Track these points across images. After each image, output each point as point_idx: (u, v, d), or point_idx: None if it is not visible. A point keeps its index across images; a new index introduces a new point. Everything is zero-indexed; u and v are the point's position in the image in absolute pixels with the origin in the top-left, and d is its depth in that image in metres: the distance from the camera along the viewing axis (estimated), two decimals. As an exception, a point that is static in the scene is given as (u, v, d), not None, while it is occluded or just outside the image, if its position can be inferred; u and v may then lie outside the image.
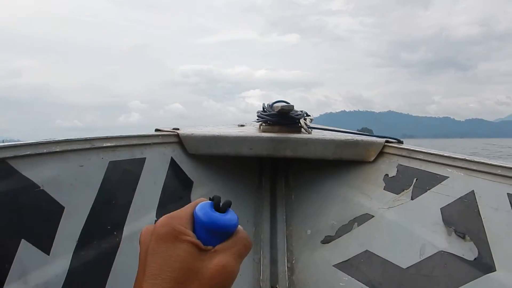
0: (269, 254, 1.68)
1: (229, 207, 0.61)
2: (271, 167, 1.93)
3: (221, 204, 0.60)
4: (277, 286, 1.59)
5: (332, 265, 1.49)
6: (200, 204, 0.61)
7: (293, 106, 1.69)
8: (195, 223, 0.59)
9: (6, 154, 1.00)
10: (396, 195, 1.44)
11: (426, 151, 1.43)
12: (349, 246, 1.48)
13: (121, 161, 1.32)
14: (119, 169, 1.30)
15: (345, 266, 1.45)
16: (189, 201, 1.52)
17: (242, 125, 2.11)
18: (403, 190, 1.42)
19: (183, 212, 0.60)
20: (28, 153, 1.05)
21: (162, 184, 1.44)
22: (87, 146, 1.23)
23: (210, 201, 0.61)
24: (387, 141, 1.61)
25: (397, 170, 1.49)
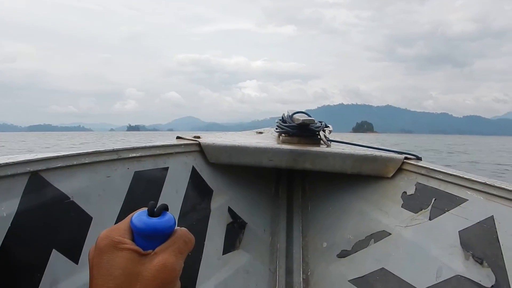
0: (285, 264, 1.71)
1: (166, 210, 0.64)
2: (288, 177, 1.95)
3: (155, 209, 0.63)
4: None
5: (347, 280, 1.51)
6: (136, 212, 0.64)
7: (314, 119, 1.71)
8: (133, 232, 0.62)
9: (39, 167, 1.03)
10: (414, 213, 1.45)
11: (445, 171, 1.43)
12: (365, 262, 1.50)
13: (145, 171, 1.34)
14: (143, 179, 1.32)
15: (361, 282, 1.47)
16: (209, 210, 1.55)
17: (261, 132, 2.13)
18: (421, 210, 1.43)
19: (122, 223, 0.63)
20: (59, 165, 1.08)
21: (184, 193, 1.47)
22: (114, 157, 1.25)
23: (146, 209, 0.64)
24: (406, 158, 1.62)
25: (416, 188, 1.50)
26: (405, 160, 1.61)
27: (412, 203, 1.48)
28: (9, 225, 0.93)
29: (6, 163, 0.96)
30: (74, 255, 1.06)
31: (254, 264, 1.64)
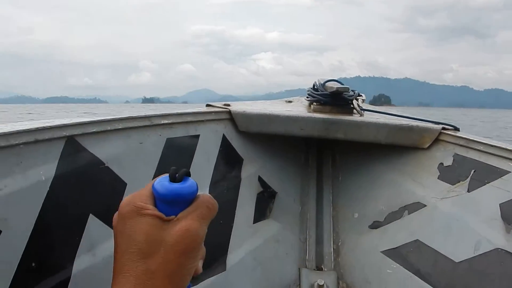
0: (315, 234, 1.70)
1: (188, 175, 0.64)
2: (318, 147, 1.92)
3: (177, 174, 0.62)
4: (322, 266, 1.62)
5: (379, 251, 1.49)
6: (157, 178, 0.64)
7: (348, 87, 1.66)
8: (155, 198, 0.62)
9: (74, 131, 1.03)
10: (451, 185, 1.41)
11: (486, 142, 1.38)
12: (399, 234, 1.47)
13: (177, 138, 1.33)
14: (175, 146, 1.32)
15: (394, 253, 1.45)
16: (240, 179, 1.55)
17: (290, 101, 2.10)
18: (459, 181, 1.39)
19: (144, 190, 0.64)
20: (94, 130, 1.08)
21: (215, 161, 1.46)
22: (147, 123, 1.24)
23: (167, 174, 0.63)
24: (443, 128, 1.57)
25: (453, 160, 1.45)
26: (442, 131, 1.55)
27: (449, 174, 1.43)
28: (48, 188, 0.94)
29: (44, 127, 0.96)
30: (110, 221, 1.06)
31: (284, 233, 1.63)
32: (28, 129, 0.93)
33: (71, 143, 1.02)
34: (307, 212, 1.75)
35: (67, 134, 1.01)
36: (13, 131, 0.90)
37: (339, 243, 1.66)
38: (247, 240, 1.49)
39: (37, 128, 0.95)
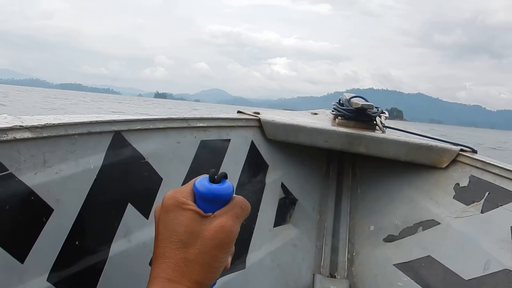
0: (331, 242, 1.77)
1: (225, 178, 0.70)
2: (339, 160, 2.00)
3: (216, 176, 0.69)
4: (335, 274, 1.69)
5: (392, 264, 1.55)
6: (198, 178, 0.70)
7: (372, 105, 1.74)
8: (195, 195, 0.68)
9: (122, 127, 1.13)
10: (465, 205, 1.46)
11: (502, 165, 1.44)
12: (412, 249, 1.54)
13: (210, 140, 1.43)
14: (208, 147, 1.41)
15: (406, 267, 1.51)
16: (264, 183, 1.63)
17: (315, 113, 2.18)
18: (473, 202, 1.44)
19: (185, 187, 0.70)
20: (138, 127, 1.18)
21: (242, 165, 1.55)
22: (184, 125, 1.34)
23: (207, 175, 0.70)
24: (461, 149, 1.63)
25: (469, 181, 1.51)
26: (460, 152, 1.62)
27: (465, 195, 1.49)
28: (95, 176, 1.03)
29: (96, 121, 1.06)
30: (145, 211, 1.16)
31: (302, 239, 1.71)
32: (83, 122, 1.03)
33: (118, 137, 1.12)
34: (324, 221, 1.82)
35: (115, 129, 1.11)
36: (71, 122, 1.00)
37: (354, 253, 1.73)
38: (267, 242, 1.57)
39: (91, 121, 1.05)
